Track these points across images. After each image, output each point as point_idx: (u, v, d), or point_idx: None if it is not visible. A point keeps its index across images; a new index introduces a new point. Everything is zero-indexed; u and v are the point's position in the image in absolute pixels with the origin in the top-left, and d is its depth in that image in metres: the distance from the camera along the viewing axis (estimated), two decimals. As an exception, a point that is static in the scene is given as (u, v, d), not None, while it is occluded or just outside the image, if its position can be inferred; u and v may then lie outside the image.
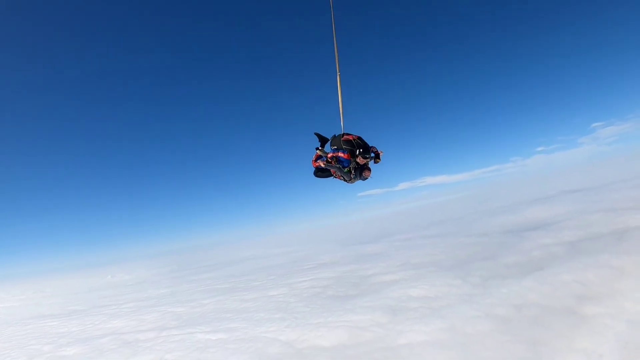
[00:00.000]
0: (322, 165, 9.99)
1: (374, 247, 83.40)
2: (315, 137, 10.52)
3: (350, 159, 9.49)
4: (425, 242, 73.49)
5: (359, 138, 9.63)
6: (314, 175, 10.44)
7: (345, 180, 9.82)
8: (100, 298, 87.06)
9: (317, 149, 10.31)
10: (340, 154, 9.55)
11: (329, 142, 10.24)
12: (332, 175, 10.10)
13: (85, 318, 58.65)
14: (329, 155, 9.72)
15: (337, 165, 9.57)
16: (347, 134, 9.70)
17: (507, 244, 53.75)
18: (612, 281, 29.89)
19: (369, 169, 9.61)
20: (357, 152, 9.29)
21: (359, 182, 9.90)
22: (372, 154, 9.55)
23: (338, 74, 8.84)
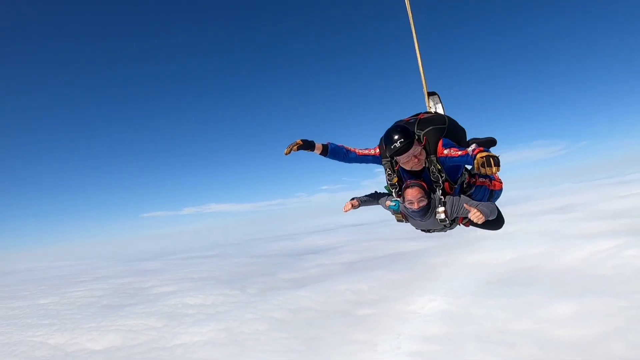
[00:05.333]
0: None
1: (153, 264, 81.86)
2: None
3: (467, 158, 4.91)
4: (206, 261, 74.06)
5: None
6: None
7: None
8: None
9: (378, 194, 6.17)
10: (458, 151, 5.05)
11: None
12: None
13: None
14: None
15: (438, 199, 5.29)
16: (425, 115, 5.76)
17: (286, 263, 56.15)
18: (384, 290, 33.34)
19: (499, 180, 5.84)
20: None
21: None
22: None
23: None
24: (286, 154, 5.23)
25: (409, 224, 5.74)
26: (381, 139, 5.43)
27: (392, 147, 4.99)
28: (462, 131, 5.81)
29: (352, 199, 6.17)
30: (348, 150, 5.60)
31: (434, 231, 5.79)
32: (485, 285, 30.51)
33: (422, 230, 5.80)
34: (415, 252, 49.18)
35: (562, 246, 37.83)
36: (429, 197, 5.20)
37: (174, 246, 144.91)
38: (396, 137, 4.99)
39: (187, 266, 68.76)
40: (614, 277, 28.81)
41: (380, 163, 5.63)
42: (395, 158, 5.17)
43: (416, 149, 5.07)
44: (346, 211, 6.00)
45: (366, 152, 5.64)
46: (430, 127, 5.40)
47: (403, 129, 5.08)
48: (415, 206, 5.15)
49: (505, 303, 25.54)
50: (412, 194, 5.13)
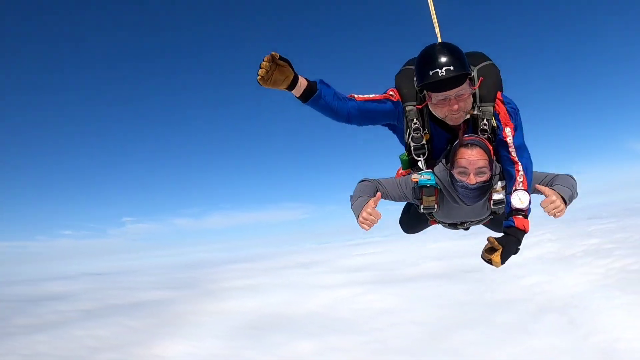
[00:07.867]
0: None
1: None
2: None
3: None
4: None
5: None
6: (402, 228, 4.48)
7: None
8: None
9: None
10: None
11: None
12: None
13: None
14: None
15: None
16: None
17: (21, 308, 53.39)
18: (126, 335, 35.02)
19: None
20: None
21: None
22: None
23: None
24: (262, 79, 2.89)
25: (437, 212, 3.59)
26: (400, 74, 3.56)
27: (431, 73, 3.01)
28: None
29: (363, 181, 3.57)
30: (343, 96, 3.32)
31: (469, 225, 3.96)
32: (230, 330, 34.33)
33: (447, 224, 3.97)
34: (159, 300, 51.22)
35: (305, 295, 43.30)
36: (491, 168, 3.29)
37: None
38: (446, 59, 3.02)
39: None
40: (355, 319, 34.64)
41: (394, 118, 3.54)
42: (428, 93, 3.18)
43: (465, 89, 3.15)
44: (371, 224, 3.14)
45: (375, 97, 3.43)
46: (488, 62, 3.50)
47: (457, 50, 3.13)
48: (470, 179, 3.20)
49: (251, 344, 29.81)
50: (471, 157, 3.17)
